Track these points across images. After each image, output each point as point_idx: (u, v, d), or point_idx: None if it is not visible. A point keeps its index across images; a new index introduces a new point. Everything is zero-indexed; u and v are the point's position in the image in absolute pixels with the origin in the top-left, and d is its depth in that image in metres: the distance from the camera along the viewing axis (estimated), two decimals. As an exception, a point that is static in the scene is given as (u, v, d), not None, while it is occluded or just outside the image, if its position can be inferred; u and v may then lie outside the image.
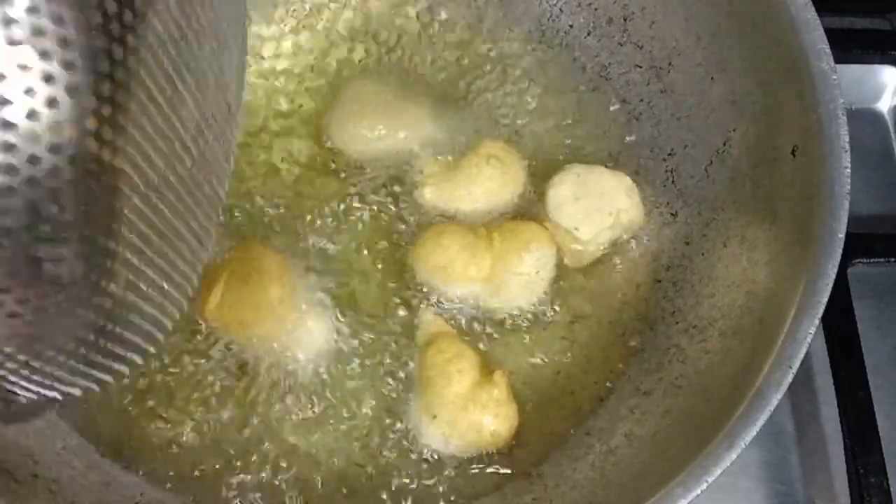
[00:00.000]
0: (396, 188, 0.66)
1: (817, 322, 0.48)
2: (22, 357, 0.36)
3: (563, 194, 0.64)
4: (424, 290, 0.62)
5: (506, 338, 0.62)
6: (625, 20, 0.69)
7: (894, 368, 0.69)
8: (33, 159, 0.30)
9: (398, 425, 0.59)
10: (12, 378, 0.36)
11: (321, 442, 0.58)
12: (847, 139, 0.52)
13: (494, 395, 0.57)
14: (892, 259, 0.70)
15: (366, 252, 0.64)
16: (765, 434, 0.51)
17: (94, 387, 0.40)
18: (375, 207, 0.65)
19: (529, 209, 0.65)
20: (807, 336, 0.48)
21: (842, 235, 0.50)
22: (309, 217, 0.65)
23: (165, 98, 0.37)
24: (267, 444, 0.58)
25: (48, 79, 0.30)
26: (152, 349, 0.42)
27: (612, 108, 0.70)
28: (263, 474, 0.58)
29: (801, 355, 0.47)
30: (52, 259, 0.33)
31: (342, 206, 0.65)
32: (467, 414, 0.57)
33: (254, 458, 0.58)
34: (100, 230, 0.34)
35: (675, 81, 0.67)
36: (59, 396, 0.39)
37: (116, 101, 0.32)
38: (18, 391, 0.38)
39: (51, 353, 0.37)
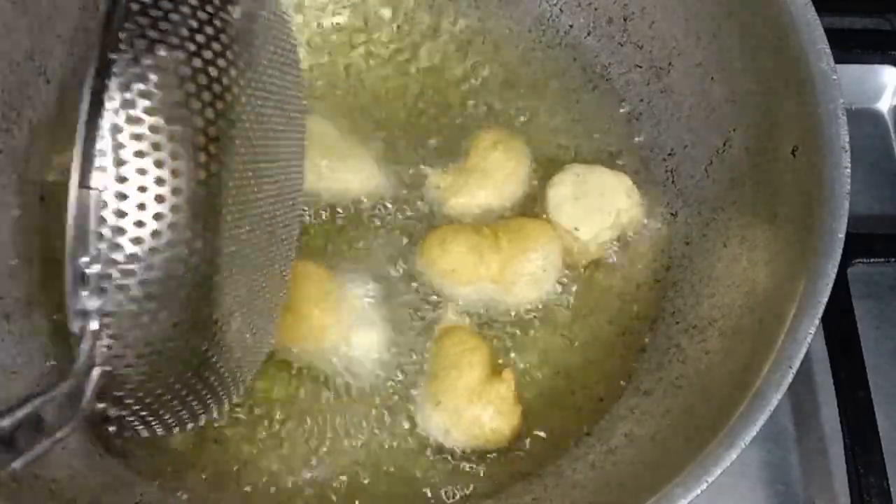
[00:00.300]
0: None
1: (817, 322, 0.48)
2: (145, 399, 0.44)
3: (563, 194, 0.64)
4: (433, 296, 0.62)
5: (505, 337, 0.62)
6: (625, 20, 0.69)
7: (894, 368, 0.69)
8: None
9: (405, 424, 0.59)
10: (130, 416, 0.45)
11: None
12: (847, 139, 0.52)
13: (502, 392, 0.57)
14: (892, 259, 0.70)
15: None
16: (765, 434, 0.51)
17: (198, 423, 0.49)
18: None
19: (533, 206, 0.65)
20: (807, 336, 0.48)
21: (842, 235, 0.50)
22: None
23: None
24: (267, 443, 0.58)
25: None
26: (243, 390, 0.51)
27: (611, 108, 0.70)
28: (265, 478, 0.58)
29: (801, 355, 0.47)
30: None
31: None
32: (472, 407, 0.57)
33: (257, 459, 0.58)
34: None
35: (675, 81, 0.67)
36: (162, 431, 0.48)
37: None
38: (139, 427, 0.47)
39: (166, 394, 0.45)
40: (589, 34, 0.71)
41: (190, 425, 0.48)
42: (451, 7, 0.73)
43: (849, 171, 0.51)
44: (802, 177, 0.54)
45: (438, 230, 0.63)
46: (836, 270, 0.49)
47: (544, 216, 0.64)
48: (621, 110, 0.70)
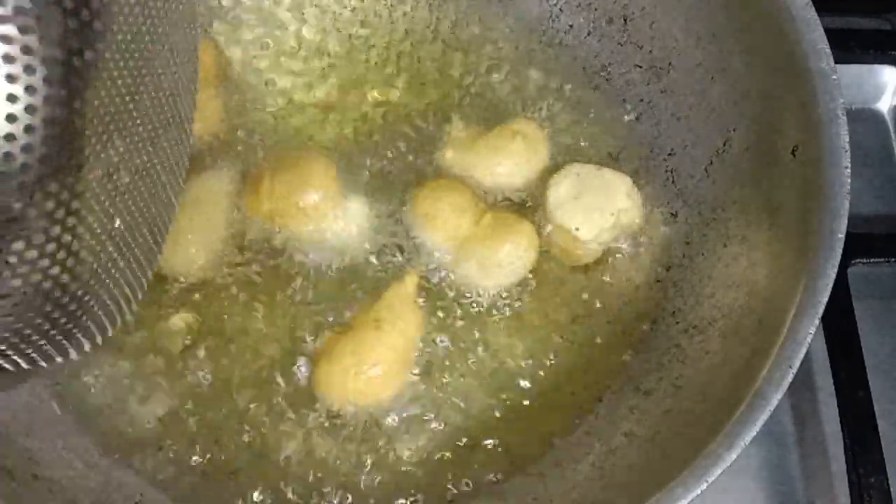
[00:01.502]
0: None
1: (817, 322, 0.48)
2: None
3: (563, 194, 0.64)
4: (410, 234, 0.64)
5: (505, 338, 0.62)
6: (625, 20, 0.69)
7: (894, 368, 0.69)
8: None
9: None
10: None
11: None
12: (847, 139, 0.52)
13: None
14: (892, 259, 0.70)
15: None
16: (765, 434, 0.51)
17: (59, 358, 0.46)
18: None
19: (536, 206, 0.65)
20: (807, 336, 0.48)
21: (842, 235, 0.50)
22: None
23: (126, 90, 0.43)
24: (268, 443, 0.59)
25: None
26: (110, 330, 0.48)
27: (611, 108, 0.70)
28: (266, 480, 0.58)
29: (801, 355, 0.47)
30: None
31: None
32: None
33: (259, 461, 0.58)
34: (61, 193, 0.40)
35: (675, 81, 0.67)
36: (26, 365, 0.45)
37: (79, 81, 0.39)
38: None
39: (20, 325, 0.41)
40: (589, 34, 0.71)
41: (59, 359, 0.46)
42: (451, 7, 0.73)
43: (849, 171, 0.51)
44: (802, 177, 0.54)
45: (441, 180, 0.65)
46: (836, 270, 0.49)
47: (541, 213, 0.64)
48: (621, 110, 0.70)
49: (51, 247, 0.40)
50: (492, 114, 0.69)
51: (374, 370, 0.58)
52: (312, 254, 0.63)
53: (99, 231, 0.43)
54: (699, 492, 0.45)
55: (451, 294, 0.63)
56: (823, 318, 0.48)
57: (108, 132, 0.42)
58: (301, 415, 0.59)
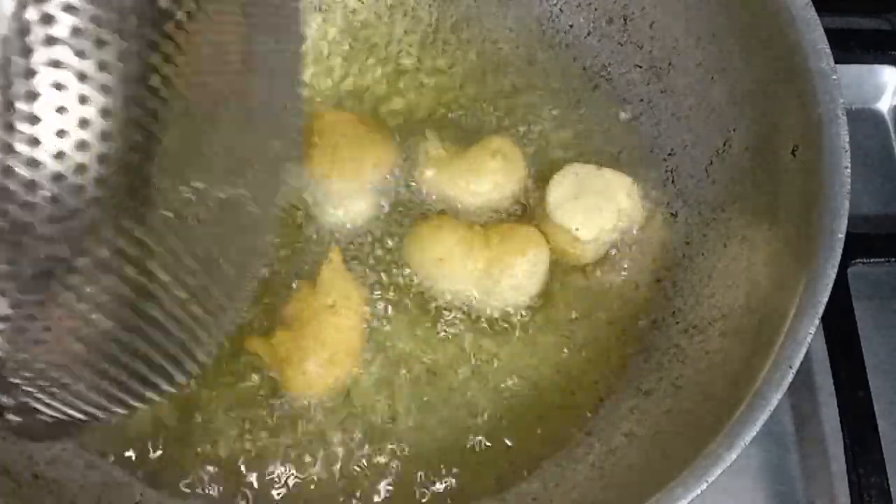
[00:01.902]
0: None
1: (817, 322, 0.48)
2: (48, 371, 0.35)
3: (563, 194, 0.64)
4: (415, 280, 0.63)
5: (505, 338, 0.62)
6: (625, 20, 0.69)
7: (894, 368, 0.69)
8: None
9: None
10: (36, 394, 0.36)
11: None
12: (847, 139, 0.52)
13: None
14: (892, 259, 0.70)
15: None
16: (765, 434, 0.51)
17: (120, 411, 0.39)
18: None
19: (527, 211, 0.65)
20: (807, 336, 0.48)
21: (842, 235, 0.50)
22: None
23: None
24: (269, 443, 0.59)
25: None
26: (182, 378, 0.41)
27: (612, 108, 0.70)
28: (266, 485, 0.58)
29: (801, 355, 0.47)
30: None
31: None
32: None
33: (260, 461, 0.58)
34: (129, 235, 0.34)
35: (675, 81, 0.67)
36: (81, 417, 0.38)
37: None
38: (41, 407, 0.37)
39: (77, 370, 0.36)
40: (589, 34, 0.71)
41: (120, 410, 0.39)
42: (451, 6, 0.73)
43: (849, 171, 0.51)
44: (802, 177, 0.54)
45: (433, 218, 0.63)
46: (836, 270, 0.49)
47: (541, 214, 0.64)
48: (621, 110, 0.70)
49: (102, 297, 0.34)
50: (490, 118, 0.69)
51: (341, 356, 0.58)
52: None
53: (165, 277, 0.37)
54: (699, 492, 0.45)
55: (464, 310, 0.63)
56: (823, 318, 0.48)
57: (184, 163, 0.36)
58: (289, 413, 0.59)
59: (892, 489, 0.61)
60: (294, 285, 0.61)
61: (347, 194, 0.64)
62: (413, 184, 0.65)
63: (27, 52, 0.29)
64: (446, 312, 0.62)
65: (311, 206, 0.64)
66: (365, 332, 0.61)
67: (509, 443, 0.59)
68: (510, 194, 0.65)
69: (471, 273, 0.61)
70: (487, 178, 0.64)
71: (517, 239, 0.62)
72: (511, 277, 0.61)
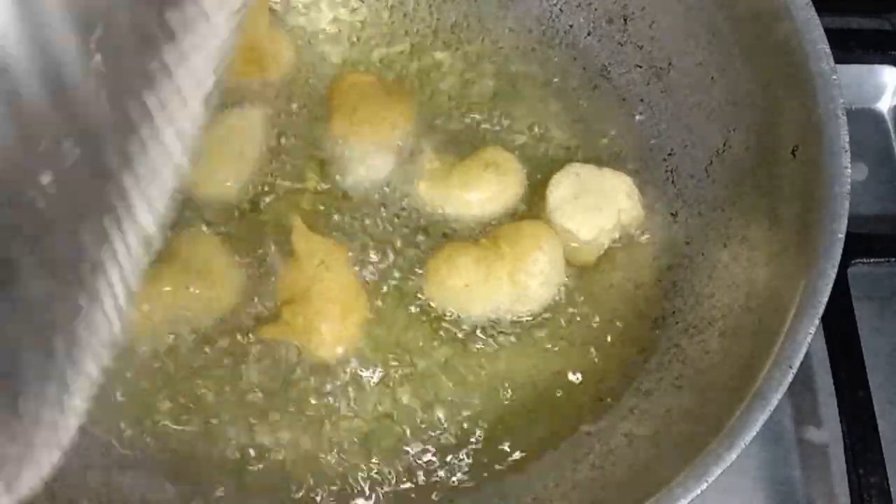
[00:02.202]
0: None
1: (817, 322, 0.48)
2: None
3: (563, 194, 0.64)
4: (446, 315, 0.62)
5: (505, 338, 0.62)
6: (625, 20, 0.69)
7: (894, 368, 0.69)
8: None
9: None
10: None
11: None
12: (847, 139, 0.52)
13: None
14: (892, 259, 0.70)
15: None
16: (765, 434, 0.51)
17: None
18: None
19: (525, 212, 0.65)
20: (807, 336, 0.48)
21: (842, 235, 0.50)
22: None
23: None
24: (269, 443, 0.59)
25: None
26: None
27: (611, 108, 0.70)
28: (270, 480, 0.58)
29: (801, 355, 0.47)
30: None
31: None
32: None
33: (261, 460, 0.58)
34: None
35: (675, 81, 0.67)
36: None
37: None
38: None
39: None
40: (589, 34, 0.71)
41: None
42: (450, 7, 0.73)
43: (849, 171, 0.51)
44: (802, 177, 0.54)
45: (442, 250, 0.63)
46: (836, 270, 0.49)
47: (543, 217, 0.64)
48: (621, 110, 0.70)
49: None
50: (490, 115, 0.69)
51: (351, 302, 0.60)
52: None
53: None
54: (699, 492, 0.45)
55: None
56: (823, 318, 0.48)
57: None
58: (305, 403, 0.59)
59: (892, 489, 0.61)
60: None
61: (367, 153, 0.65)
62: (408, 197, 0.66)
63: None
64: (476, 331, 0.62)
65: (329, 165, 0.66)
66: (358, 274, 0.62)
67: (509, 443, 0.59)
68: (506, 203, 0.65)
69: (497, 288, 0.61)
70: (482, 190, 0.64)
71: (526, 236, 0.62)
72: (538, 276, 0.61)
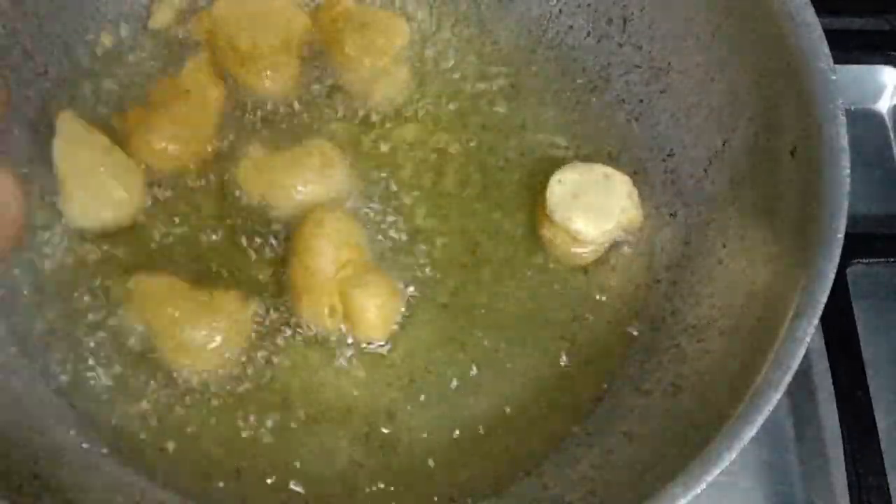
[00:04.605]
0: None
1: (816, 322, 0.48)
2: None
3: (563, 194, 0.64)
4: None
5: (505, 336, 0.62)
6: (624, 21, 0.69)
7: (894, 368, 0.69)
8: None
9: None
10: None
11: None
12: (846, 139, 0.52)
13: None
14: (892, 259, 0.70)
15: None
16: (764, 434, 0.51)
17: None
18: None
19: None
20: (806, 336, 0.48)
21: (841, 235, 0.50)
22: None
23: None
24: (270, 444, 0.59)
25: None
26: None
27: (611, 109, 0.70)
28: (270, 479, 0.58)
29: (801, 355, 0.47)
30: None
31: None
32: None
33: (259, 457, 0.58)
34: None
35: (675, 81, 0.67)
36: None
37: None
38: None
39: None
40: (588, 35, 0.71)
41: None
42: (450, 7, 0.73)
43: (848, 171, 0.51)
44: (802, 177, 0.54)
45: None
46: (835, 270, 0.49)
47: (541, 214, 0.64)
48: (621, 110, 0.70)
49: None
50: (490, 118, 0.70)
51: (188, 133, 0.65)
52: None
53: None
54: (699, 491, 0.45)
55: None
56: (823, 318, 0.48)
57: None
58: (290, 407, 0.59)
59: (891, 489, 0.61)
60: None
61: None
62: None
63: None
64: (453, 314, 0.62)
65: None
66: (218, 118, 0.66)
67: (509, 443, 0.59)
68: (328, 192, 0.65)
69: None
70: (302, 178, 0.64)
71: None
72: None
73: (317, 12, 0.71)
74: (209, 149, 0.66)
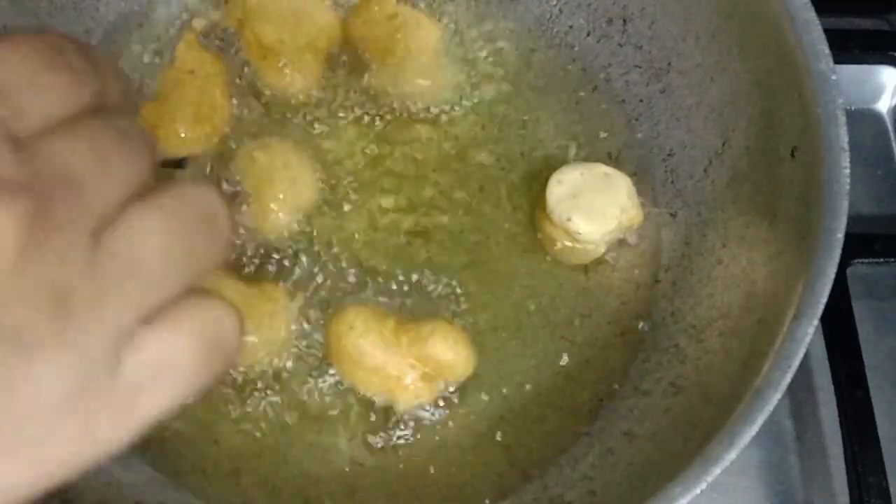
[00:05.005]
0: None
1: (816, 322, 0.48)
2: None
3: (563, 194, 0.64)
4: None
5: (504, 336, 0.62)
6: (624, 21, 0.69)
7: (894, 368, 0.69)
8: None
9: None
10: None
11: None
12: (846, 139, 0.52)
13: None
14: (892, 259, 0.70)
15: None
16: (764, 434, 0.51)
17: None
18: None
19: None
20: (806, 336, 0.48)
21: (841, 235, 0.50)
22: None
23: None
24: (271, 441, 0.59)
25: None
26: None
27: (612, 109, 0.70)
28: (270, 479, 0.58)
29: (801, 355, 0.47)
30: None
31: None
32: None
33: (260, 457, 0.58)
34: None
35: (675, 81, 0.67)
36: None
37: None
38: None
39: None
40: (588, 34, 0.71)
41: None
42: (450, 7, 0.73)
43: (848, 171, 0.51)
44: (802, 177, 0.54)
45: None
46: (835, 270, 0.49)
47: (541, 214, 0.64)
48: (621, 110, 0.70)
49: None
50: (490, 118, 0.70)
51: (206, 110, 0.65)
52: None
53: None
54: (699, 491, 0.45)
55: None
56: (822, 318, 0.48)
57: None
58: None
59: (891, 489, 0.61)
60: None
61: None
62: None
63: None
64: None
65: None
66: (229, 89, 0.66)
67: (509, 443, 0.59)
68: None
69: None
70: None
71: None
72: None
73: (349, 13, 0.70)
74: (227, 129, 0.66)
